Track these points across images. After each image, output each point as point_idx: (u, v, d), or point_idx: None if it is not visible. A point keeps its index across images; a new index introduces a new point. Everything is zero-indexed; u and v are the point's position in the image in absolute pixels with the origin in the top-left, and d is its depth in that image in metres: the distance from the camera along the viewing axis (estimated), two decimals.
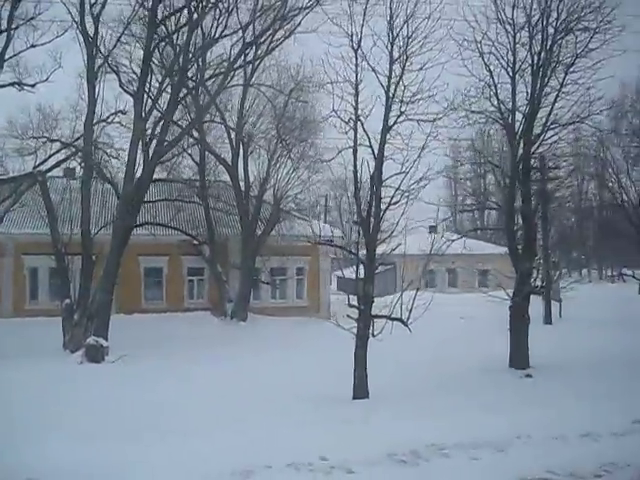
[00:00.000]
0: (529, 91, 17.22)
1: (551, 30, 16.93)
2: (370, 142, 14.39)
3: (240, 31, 22.72)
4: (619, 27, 15.95)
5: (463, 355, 19.00)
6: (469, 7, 16.53)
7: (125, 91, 23.51)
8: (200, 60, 23.39)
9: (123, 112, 25.07)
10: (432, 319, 28.46)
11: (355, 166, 14.56)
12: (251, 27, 22.92)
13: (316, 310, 31.88)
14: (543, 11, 16.85)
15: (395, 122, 14.38)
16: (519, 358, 17.53)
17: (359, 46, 14.21)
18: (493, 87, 17.24)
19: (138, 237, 25.18)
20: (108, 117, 23.95)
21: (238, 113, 25.19)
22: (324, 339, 25.05)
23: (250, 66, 24.72)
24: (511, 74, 17.10)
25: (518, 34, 16.95)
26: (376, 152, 14.50)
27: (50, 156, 24.08)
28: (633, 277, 31.97)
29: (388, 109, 14.42)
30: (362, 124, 14.34)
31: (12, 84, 23.68)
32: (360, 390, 14.52)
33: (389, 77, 14.37)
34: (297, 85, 25.07)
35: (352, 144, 14.24)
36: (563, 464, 7.86)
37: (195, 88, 23.83)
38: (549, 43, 16.95)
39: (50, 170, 23.99)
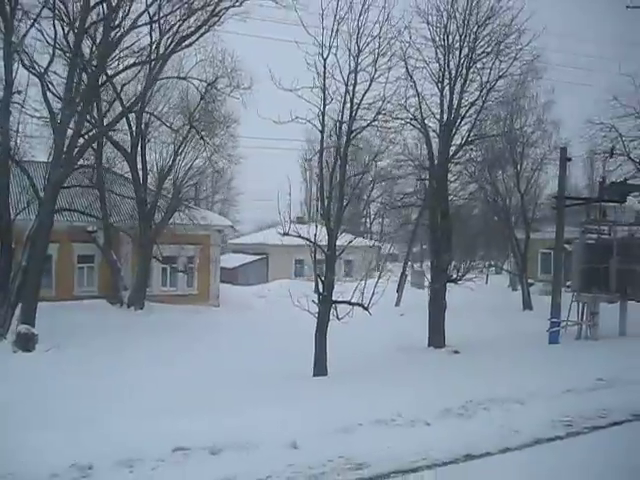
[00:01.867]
0: (449, 104, 20.00)
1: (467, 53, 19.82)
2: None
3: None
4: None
5: (386, 338, 21.48)
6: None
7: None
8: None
9: (19, 92, 24.92)
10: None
11: (321, 168, 16.55)
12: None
13: (205, 298, 33.20)
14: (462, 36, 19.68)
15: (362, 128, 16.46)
16: (437, 338, 20.41)
17: (327, 56, 16.15)
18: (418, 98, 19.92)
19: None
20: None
21: (140, 100, 25.56)
22: (227, 325, 27.04)
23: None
24: (439, 88, 19.79)
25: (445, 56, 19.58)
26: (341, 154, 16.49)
27: None
28: (502, 270, 36.49)
29: (352, 117, 16.51)
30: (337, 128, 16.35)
31: None
32: (320, 368, 16.52)
33: (354, 85, 16.43)
34: (218, 79, 26.15)
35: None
36: None
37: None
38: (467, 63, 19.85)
39: None
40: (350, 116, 16.57)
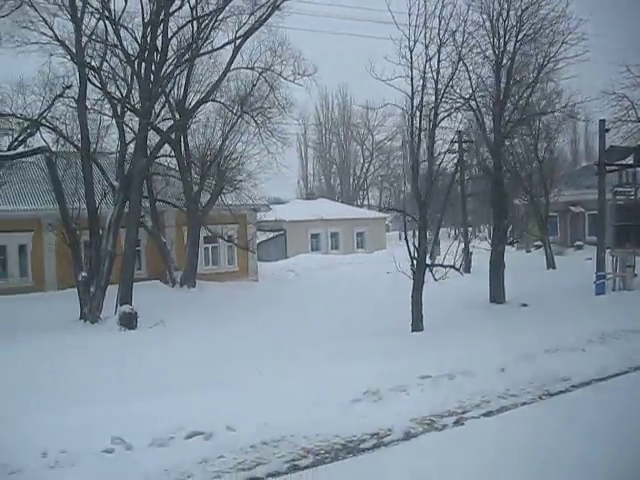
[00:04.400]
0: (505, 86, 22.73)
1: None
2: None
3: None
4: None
5: (450, 297, 24.26)
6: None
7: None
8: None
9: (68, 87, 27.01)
10: (367, 274, 34.23)
11: (412, 148, 19.19)
12: None
13: (245, 274, 35.72)
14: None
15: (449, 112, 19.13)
16: (499, 294, 23.33)
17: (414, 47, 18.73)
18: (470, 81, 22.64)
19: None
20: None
21: (215, 89, 27.84)
22: (284, 294, 29.77)
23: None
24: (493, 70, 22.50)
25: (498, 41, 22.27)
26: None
27: (26, 134, 25.35)
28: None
29: (438, 101, 19.17)
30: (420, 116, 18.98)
31: None
32: (417, 325, 19.30)
33: (437, 72, 19.07)
34: (271, 67, 28.39)
35: None
36: None
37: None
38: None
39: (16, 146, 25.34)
40: (435, 100, 19.23)
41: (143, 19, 26.41)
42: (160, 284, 31.42)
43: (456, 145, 32.53)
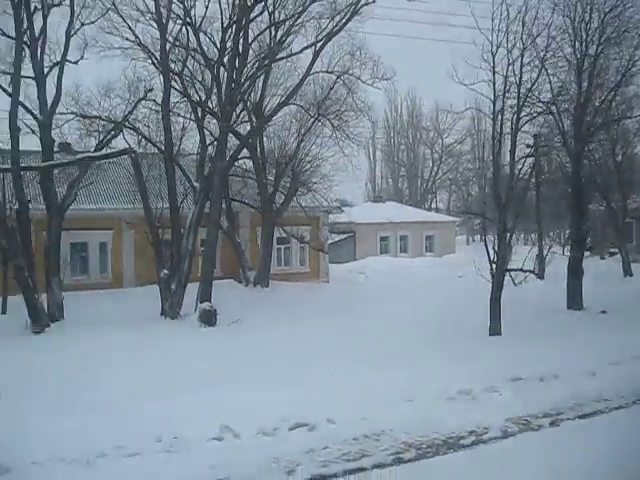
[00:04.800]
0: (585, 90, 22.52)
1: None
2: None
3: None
4: None
5: (527, 302, 24.13)
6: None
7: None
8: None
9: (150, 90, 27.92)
10: (438, 277, 34.21)
11: (494, 153, 19.26)
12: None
13: (316, 275, 36.18)
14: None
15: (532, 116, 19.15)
16: (577, 301, 23.12)
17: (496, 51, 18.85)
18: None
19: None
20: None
21: (295, 92, 28.45)
22: (357, 296, 30.06)
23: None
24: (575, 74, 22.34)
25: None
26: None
27: (110, 135, 26.35)
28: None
29: (520, 106, 19.21)
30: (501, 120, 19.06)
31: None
32: (495, 329, 19.34)
33: (520, 77, 19.13)
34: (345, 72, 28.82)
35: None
36: None
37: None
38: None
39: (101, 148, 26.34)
40: (517, 104, 19.28)
41: (222, 24, 27.18)
42: (234, 283, 32.07)
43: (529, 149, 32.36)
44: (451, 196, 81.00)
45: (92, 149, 26.83)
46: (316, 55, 26.85)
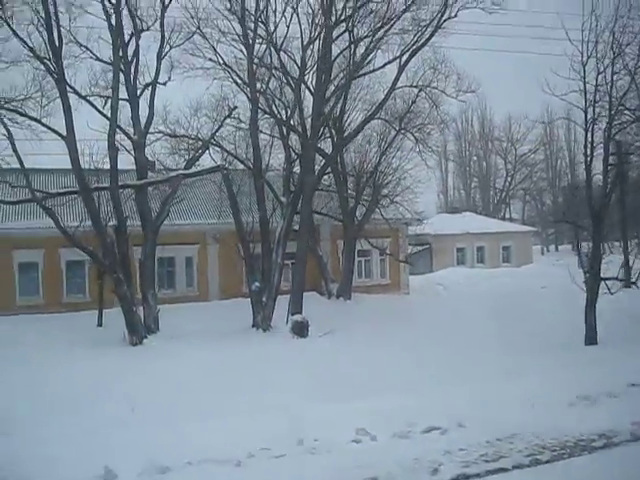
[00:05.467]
0: None
1: None
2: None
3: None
4: None
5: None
6: None
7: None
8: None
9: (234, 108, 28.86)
10: (520, 288, 34.03)
11: (586, 161, 19.36)
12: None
13: (397, 287, 36.51)
14: None
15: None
16: None
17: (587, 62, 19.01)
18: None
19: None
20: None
21: (380, 108, 29.09)
22: (442, 308, 30.22)
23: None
24: None
25: None
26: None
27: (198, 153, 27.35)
28: None
29: (612, 116, 19.29)
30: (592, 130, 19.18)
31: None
32: (591, 338, 19.37)
33: (611, 86, 19.23)
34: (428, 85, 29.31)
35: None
36: None
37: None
38: None
39: (192, 165, 27.32)
40: (609, 113, 19.37)
41: (302, 42, 27.95)
42: (317, 295, 32.66)
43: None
44: (525, 206, 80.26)
45: (176, 166, 27.99)
46: (401, 70, 27.40)
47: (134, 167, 25.71)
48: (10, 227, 31.15)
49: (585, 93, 18.96)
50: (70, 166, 23.16)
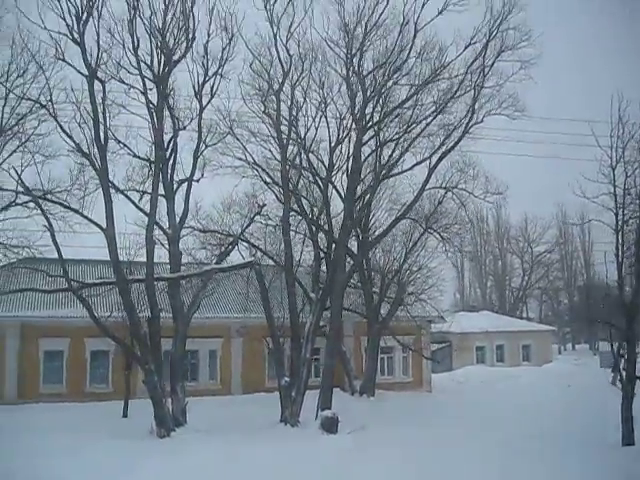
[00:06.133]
0: None
1: None
2: None
3: None
4: None
5: None
6: None
7: None
8: None
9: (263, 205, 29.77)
10: (545, 386, 33.82)
11: (619, 263, 19.85)
12: None
13: (419, 385, 36.47)
14: None
15: None
16: None
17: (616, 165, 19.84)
18: None
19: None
20: None
21: (409, 209, 30.06)
22: (466, 406, 30.10)
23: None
24: None
25: None
26: None
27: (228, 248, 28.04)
28: None
29: None
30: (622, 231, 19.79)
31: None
32: (628, 438, 19.34)
33: None
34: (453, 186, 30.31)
35: None
36: None
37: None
38: None
39: (222, 259, 27.93)
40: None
41: (330, 144, 29.08)
42: (340, 392, 32.66)
43: None
44: (542, 305, 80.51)
45: (204, 260, 28.64)
46: (430, 173, 28.48)
47: (165, 259, 26.37)
48: (38, 316, 31.78)
49: (615, 196, 19.71)
50: (98, 257, 23.77)
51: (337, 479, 14.94)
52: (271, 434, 22.59)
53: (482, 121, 27.67)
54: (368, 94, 26.86)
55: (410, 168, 29.41)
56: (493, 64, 27.57)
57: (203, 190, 30.30)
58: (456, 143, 28.00)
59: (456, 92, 27.58)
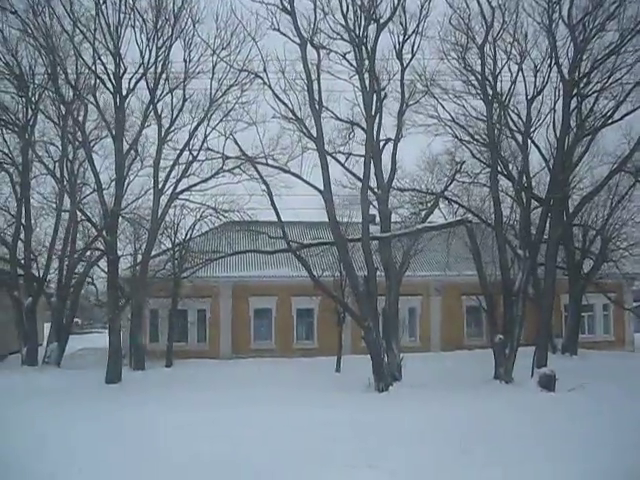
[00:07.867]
0: None
1: None
2: None
3: None
4: None
5: None
6: None
7: None
8: None
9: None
10: None
11: None
12: None
13: (621, 344, 35.69)
14: None
15: None
16: None
17: None
18: None
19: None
20: None
21: None
22: None
23: None
24: None
25: None
26: None
27: None
28: None
29: None
30: None
31: None
32: None
33: None
34: None
35: None
36: None
37: None
38: None
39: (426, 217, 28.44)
40: None
41: (526, 97, 28.63)
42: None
43: None
44: None
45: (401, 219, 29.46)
46: None
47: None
48: (248, 275, 33.99)
49: None
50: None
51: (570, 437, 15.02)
52: (489, 390, 23.02)
53: None
54: (578, 43, 26.08)
55: (620, 118, 28.30)
56: None
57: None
58: None
59: None
